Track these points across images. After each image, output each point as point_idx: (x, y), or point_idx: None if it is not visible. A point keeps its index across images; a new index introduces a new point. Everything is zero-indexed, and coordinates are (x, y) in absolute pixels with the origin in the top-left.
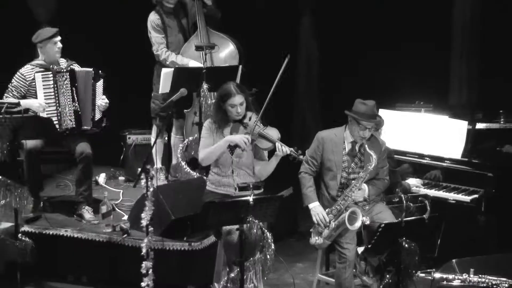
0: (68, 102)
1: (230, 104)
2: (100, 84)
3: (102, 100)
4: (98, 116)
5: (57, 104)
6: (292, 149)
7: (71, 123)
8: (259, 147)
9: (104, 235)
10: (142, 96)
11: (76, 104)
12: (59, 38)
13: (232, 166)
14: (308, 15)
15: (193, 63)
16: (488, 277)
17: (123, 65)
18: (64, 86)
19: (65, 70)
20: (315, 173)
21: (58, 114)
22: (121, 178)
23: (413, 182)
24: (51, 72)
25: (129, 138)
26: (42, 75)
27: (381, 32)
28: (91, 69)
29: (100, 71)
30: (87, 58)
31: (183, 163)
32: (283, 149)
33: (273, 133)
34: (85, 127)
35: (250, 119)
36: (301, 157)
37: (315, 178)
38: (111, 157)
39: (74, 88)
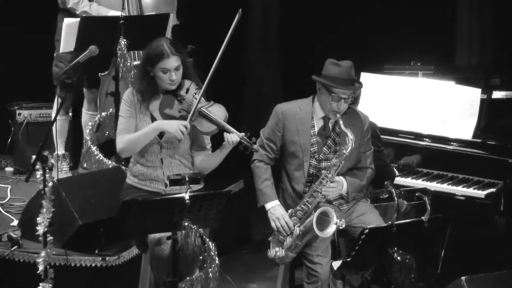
0: None
1: (161, 69)
2: None
3: None
4: None
5: None
6: (243, 135)
7: None
8: (198, 130)
9: None
10: (38, 56)
11: None
12: None
13: (161, 154)
14: None
15: (114, 14)
16: None
17: (12, 12)
18: None
19: None
20: (273, 161)
21: None
22: (9, 169)
23: None
24: None
25: (19, 114)
26: None
27: None
28: None
29: None
30: None
31: (93, 148)
32: (231, 138)
33: (218, 111)
34: None
35: (187, 90)
36: (255, 146)
37: (274, 168)
38: None
39: None
